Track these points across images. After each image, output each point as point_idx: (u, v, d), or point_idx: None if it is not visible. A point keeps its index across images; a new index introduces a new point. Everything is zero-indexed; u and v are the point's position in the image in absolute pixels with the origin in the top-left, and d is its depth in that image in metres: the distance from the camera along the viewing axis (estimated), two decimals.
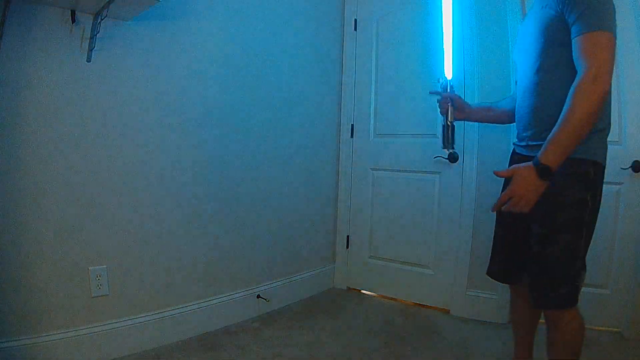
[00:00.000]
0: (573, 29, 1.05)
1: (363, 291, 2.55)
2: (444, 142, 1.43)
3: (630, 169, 1.83)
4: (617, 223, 1.88)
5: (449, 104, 1.43)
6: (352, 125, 2.56)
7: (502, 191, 1.35)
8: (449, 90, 1.45)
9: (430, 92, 1.49)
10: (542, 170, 1.01)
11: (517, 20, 1.99)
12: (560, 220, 1.09)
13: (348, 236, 2.60)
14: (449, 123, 1.42)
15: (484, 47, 2.09)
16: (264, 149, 2.10)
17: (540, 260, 1.14)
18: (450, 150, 1.43)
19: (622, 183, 1.86)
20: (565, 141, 1.00)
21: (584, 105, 0.98)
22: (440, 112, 1.47)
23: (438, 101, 1.47)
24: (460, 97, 1.47)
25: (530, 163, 1.04)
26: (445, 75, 1.48)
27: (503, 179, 1.24)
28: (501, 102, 1.51)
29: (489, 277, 1.41)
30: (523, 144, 1.26)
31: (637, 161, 1.82)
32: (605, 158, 1.14)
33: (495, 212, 1.36)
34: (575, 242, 1.11)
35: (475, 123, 2.08)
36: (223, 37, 1.88)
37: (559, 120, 1.02)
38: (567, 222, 1.10)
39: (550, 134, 1.03)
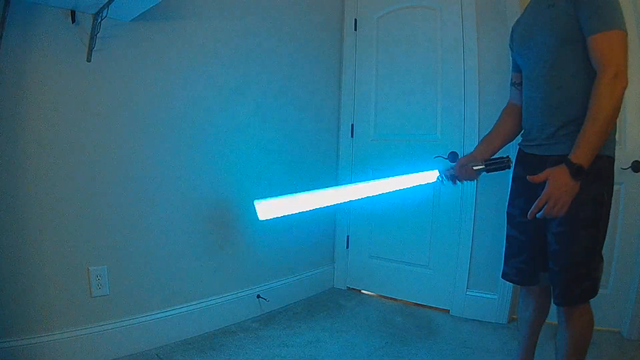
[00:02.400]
0: (586, 27, 1.06)
1: (363, 291, 2.55)
2: (504, 168, 1.29)
3: (630, 169, 1.83)
4: (617, 223, 1.88)
5: (466, 167, 1.32)
6: (352, 125, 2.56)
7: (511, 194, 1.35)
8: (448, 173, 1.36)
9: (449, 179, 1.38)
10: (576, 170, 1.03)
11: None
12: (580, 217, 1.10)
13: (348, 236, 2.60)
14: (484, 167, 1.30)
15: (484, 46, 2.09)
16: (262, 147, 2.10)
17: (561, 258, 1.15)
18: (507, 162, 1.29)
19: (622, 183, 1.86)
20: (595, 140, 1.03)
21: (609, 104, 1.01)
22: (471, 180, 1.36)
23: (459, 178, 1.36)
24: (461, 158, 1.38)
25: (562, 165, 1.05)
26: (437, 178, 1.37)
27: (505, 179, 1.23)
28: (498, 125, 1.43)
29: (492, 277, 1.41)
30: (535, 143, 1.24)
31: (637, 161, 1.82)
32: (615, 151, 1.16)
33: (507, 215, 1.36)
34: (594, 238, 1.12)
35: (474, 119, 2.09)
36: (223, 37, 1.88)
37: (586, 120, 1.04)
38: (586, 219, 1.11)
39: (580, 134, 1.04)
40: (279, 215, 1.06)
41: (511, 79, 1.42)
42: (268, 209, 1.03)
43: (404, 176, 1.31)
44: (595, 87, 1.03)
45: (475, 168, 1.31)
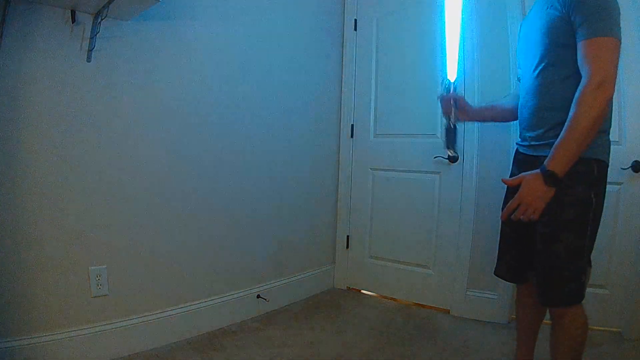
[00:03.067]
0: (578, 33, 1.05)
1: (363, 291, 2.55)
2: (446, 144, 1.42)
3: (630, 169, 1.83)
4: (617, 223, 1.88)
5: (452, 105, 1.42)
6: (352, 125, 2.56)
7: (505, 195, 1.37)
8: (452, 91, 1.45)
9: (438, 97, 1.48)
10: (549, 177, 1.03)
11: (517, 19, 1.99)
12: (564, 219, 1.10)
13: (348, 236, 2.60)
14: (451, 125, 1.41)
15: (484, 46, 2.09)
16: (263, 149, 2.10)
17: (546, 258, 1.15)
18: (452, 154, 1.42)
19: (622, 183, 1.86)
20: (572, 148, 1.02)
21: (589, 113, 1.00)
22: (442, 113, 1.48)
23: (441, 102, 1.46)
24: (463, 98, 1.47)
25: (537, 170, 1.05)
26: (448, 77, 1.47)
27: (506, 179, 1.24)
28: (503, 100, 1.52)
29: (492, 277, 1.42)
30: (526, 144, 1.26)
31: (637, 161, 1.82)
32: (609, 156, 1.15)
33: (503, 218, 1.38)
34: (579, 240, 1.12)
35: (475, 123, 2.08)
36: (223, 38, 1.88)
37: (564, 127, 1.03)
38: (571, 221, 1.10)
39: (557, 140, 1.04)
40: None
41: (517, 75, 1.46)
42: None
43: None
44: (578, 95, 1.02)
45: (452, 114, 1.41)
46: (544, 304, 1.20)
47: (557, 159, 1.03)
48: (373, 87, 2.48)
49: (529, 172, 1.08)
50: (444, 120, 1.45)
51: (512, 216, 1.09)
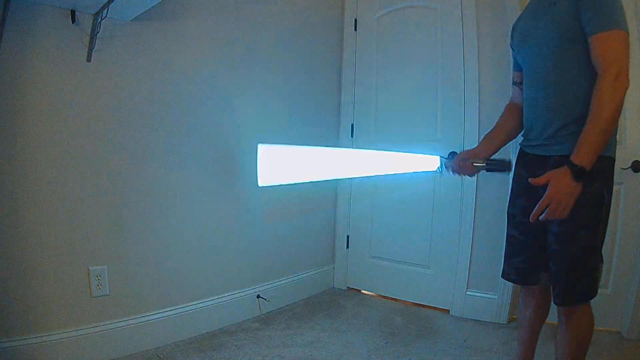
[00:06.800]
0: (588, 27, 1.06)
1: (363, 291, 2.55)
2: (504, 171, 1.33)
3: (630, 169, 1.83)
4: (617, 223, 1.88)
5: (465, 164, 1.35)
6: (352, 125, 2.56)
7: (511, 193, 1.35)
8: (449, 164, 1.39)
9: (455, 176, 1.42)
10: (578, 172, 1.02)
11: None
12: (579, 218, 1.09)
13: (348, 236, 2.60)
14: (485, 165, 1.33)
15: (484, 47, 2.09)
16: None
17: (562, 259, 1.15)
18: (510, 169, 1.32)
19: (622, 183, 1.86)
20: (597, 141, 1.02)
21: (610, 105, 1.01)
22: (470, 175, 1.40)
23: (456, 173, 1.40)
24: (462, 153, 1.40)
25: (564, 167, 1.04)
26: (433, 170, 1.41)
27: (505, 178, 1.23)
28: (500, 123, 1.45)
29: (492, 277, 1.41)
30: (536, 144, 1.24)
31: (637, 161, 1.82)
32: (616, 151, 1.15)
33: (508, 214, 1.36)
34: (594, 238, 1.12)
35: (473, 117, 2.09)
36: (222, 37, 1.88)
37: (587, 121, 1.03)
38: (586, 220, 1.10)
39: (581, 135, 1.04)
40: (280, 183, 1.07)
41: (512, 78, 1.42)
42: (270, 168, 1.04)
43: (407, 154, 1.35)
44: (597, 89, 1.03)
45: (475, 165, 1.33)
46: (559, 303, 1.18)
47: (584, 152, 1.03)
48: (373, 87, 2.48)
49: (556, 170, 1.06)
50: (479, 173, 1.38)
51: (542, 217, 1.06)
